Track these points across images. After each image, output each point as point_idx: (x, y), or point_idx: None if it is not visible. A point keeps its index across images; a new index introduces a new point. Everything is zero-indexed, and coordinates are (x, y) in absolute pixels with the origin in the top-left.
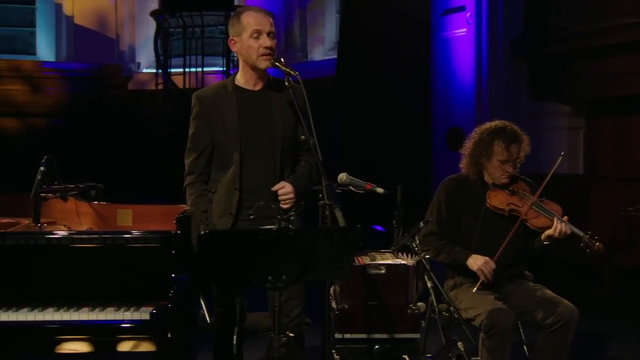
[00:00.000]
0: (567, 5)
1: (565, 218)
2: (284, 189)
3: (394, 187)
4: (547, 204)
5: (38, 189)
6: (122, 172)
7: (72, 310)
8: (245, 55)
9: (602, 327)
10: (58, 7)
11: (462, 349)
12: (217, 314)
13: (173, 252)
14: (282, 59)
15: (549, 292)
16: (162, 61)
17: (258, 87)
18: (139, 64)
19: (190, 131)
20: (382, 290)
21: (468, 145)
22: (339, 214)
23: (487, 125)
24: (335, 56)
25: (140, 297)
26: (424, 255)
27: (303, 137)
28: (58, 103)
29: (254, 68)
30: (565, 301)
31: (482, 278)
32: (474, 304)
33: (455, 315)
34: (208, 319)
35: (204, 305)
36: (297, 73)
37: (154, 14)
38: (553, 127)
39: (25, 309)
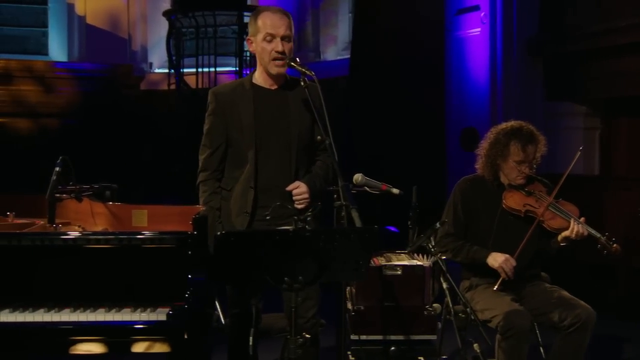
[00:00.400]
0: (582, 4)
1: (582, 219)
2: (299, 189)
3: (407, 188)
4: (563, 204)
5: (53, 189)
6: (134, 173)
7: (88, 311)
8: (258, 57)
9: (618, 328)
10: (70, 7)
11: (478, 351)
12: (232, 314)
13: (189, 252)
14: (297, 59)
15: (565, 293)
16: (175, 61)
17: (275, 86)
18: (151, 64)
19: (205, 127)
20: (398, 291)
21: (484, 146)
22: (355, 214)
23: (503, 125)
24: (348, 56)
25: (157, 298)
26: (440, 256)
27: (319, 137)
28: (70, 103)
29: (268, 71)
30: (582, 303)
31: (503, 276)
32: (490, 306)
33: (472, 317)
34: (223, 320)
35: (218, 307)
36: (313, 73)
37: (166, 13)
38: (568, 127)
39: (42, 310)
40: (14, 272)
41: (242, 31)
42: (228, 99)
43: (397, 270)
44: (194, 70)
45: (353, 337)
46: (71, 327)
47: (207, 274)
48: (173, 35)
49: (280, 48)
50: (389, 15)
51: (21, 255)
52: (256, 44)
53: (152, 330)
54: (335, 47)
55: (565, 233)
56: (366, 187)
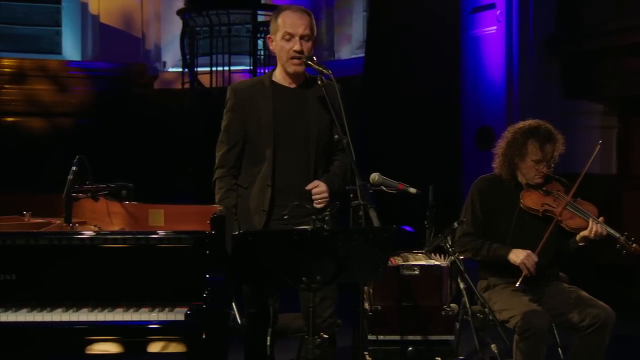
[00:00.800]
0: (599, 2)
1: (601, 219)
2: (318, 188)
3: (422, 187)
4: (581, 204)
5: (70, 188)
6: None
7: (106, 310)
8: (277, 55)
9: (637, 328)
10: (84, 6)
11: (496, 351)
12: (249, 314)
13: (207, 252)
14: (314, 58)
15: (584, 293)
16: (189, 60)
17: (294, 85)
18: (164, 63)
19: (224, 123)
20: (416, 291)
21: (501, 145)
22: (373, 214)
23: (521, 124)
24: (363, 55)
25: (174, 298)
26: (458, 256)
27: (337, 136)
28: (84, 102)
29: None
30: (601, 303)
31: (524, 272)
32: (508, 306)
33: (490, 317)
34: (239, 320)
35: (234, 306)
36: (331, 72)
37: (180, 12)
38: (585, 126)
39: (60, 310)
40: (32, 272)
41: (256, 30)
42: (247, 96)
43: (415, 270)
44: (207, 69)
45: (370, 337)
46: (88, 327)
47: (226, 274)
48: (187, 34)
49: (297, 47)
50: (403, 13)
51: (39, 255)
52: (275, 43)
53: (169, 330)
54: (350, 46)
55: (584, 233)
56: (383, 187)
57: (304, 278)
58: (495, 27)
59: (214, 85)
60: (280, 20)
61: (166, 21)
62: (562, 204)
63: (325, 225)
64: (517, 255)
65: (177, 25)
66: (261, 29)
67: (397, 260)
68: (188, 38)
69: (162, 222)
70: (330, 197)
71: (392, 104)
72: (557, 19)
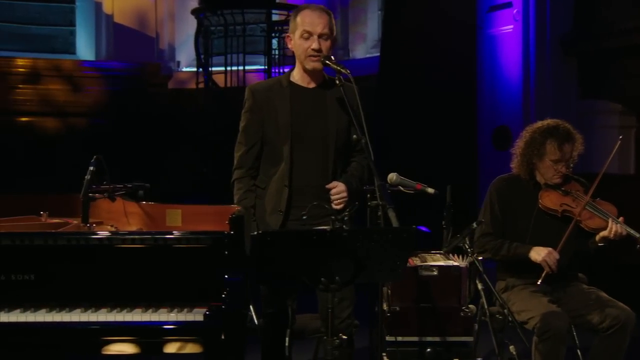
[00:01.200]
0: (617, 0)
1: (620, 219)
2: (337, 189)
3: (437, 187)
4: (601, 204)
5: (88, 188)
6: (161, 172)
7: (125, 311)
8: (296, 54)
9: None
10: (98, 6)
11: (514, 353)
12: (266, 314)
13: (226, 252)
14: (332, 57)
15: (603, 294)
16: (203, 60)
17: (313, 84)
18: (178, 62)
19: (242, 124)
20: (434, 292)
21: (519, 145)
22: (392, 214)
23: (539, 124)
24: (377, 54)
25: (193, 298)
26: (477, 256)
27: (355, 136)
28: (98, 102)
29: (304, 67)
30: (621, 304)
31: (546, 269)
32: (527, 307)
33: (510, 318)
34: (255, 321)
35: (251, 307)
36: (349, 71)
37: (195, 12)
38: (603, 126)
39: (78, 310)
40: (50, 272)
41: (271, 29)
42: (265, 96)
43: (433, 271)
44: (222, 68)
45: (389, 338)
46: (105, 327)
47: (247, 275)
48: (201, 34)
49: (316, 45)
50: (419, 12)
51: (57, 255)
52: (294, 41)
53: (187, 331)
54: (364, 45)
55: (604, 233)
56: (400, 187)
57: (323, 279)
58: (511, 26)
59: (228, 84)
60: (299, 18)
61: (180, 21)
62: (581, 204)
63: (344, 226)
64: (539, 253)
65: (191, 24)
66: (276, 28)
67: (415, 261)
68: (202, 37)
69: (179, 222)
70: (349, 197)
71: (408, 104)
72: (574, 17)
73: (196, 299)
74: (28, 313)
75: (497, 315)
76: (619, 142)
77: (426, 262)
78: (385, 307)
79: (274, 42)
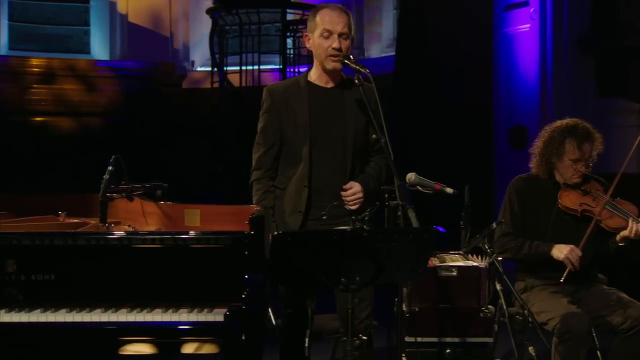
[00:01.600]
0: None
1: None
2: (353, 189)
3: (454, 187)
4: (621, 203)
5: (106, 188)
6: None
7: (145, 311)
8: (315, 53)
9: None
10: (112, 6)
11: (533, 354)
12: (285, 315)
13: (246, 253)
14: (351, 57)
15: (624, 295)
16: (218, 59)
17: (331, 85)
18: (193, 62)
19: (260, 125)
20: (454, 292)
21: (538, 145)
22: (412, 214)
23: (558, 123)
24: (392, 53)
25: (213, 299)
26: (496, 257)
27: (374, 136)
28: (112, 102)
29: (324, 67)
30: None
31: (569, 267)
32: (546, 308)
33: (530, 319)
34: (273, 321)
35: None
36: (368, 71)
37: (209, 11)
38: (621, 125)
39: (99, 310)
40: (70, 272)
41: (286, 29)
42: (283, 97)
43: (453, 271)
44: (237, 68)
45: (408, 339)
46: (125, 327)
47: (266, 276)
48: (216, 33)
49: (336, 44)
50: (434, 11)
51: (77, 255)
52: (313, 40)
53: (206, 331)
54: (380, 44)
55: (624, 233)
56: (419, 187)
57: (343, 279)
58: (528, 25)
59: (243, 84)
60: (318, 17)
61: (194, 20)
62: (601, 204)
63: (364, 226)
64: (561, 251)
65: (205, 24)
66: (291, 27)
67: (433, 261)
68: (217, 37)
69: (198, 222)
70: (365, 198)
71: (423, 104)
72: (591, 16)
73: (216, 299)
74: (48, 313)
75: (517, 316)
76: (638, 139)
77: (445, 262)
78: (404, 307)
79: (289, 41)
